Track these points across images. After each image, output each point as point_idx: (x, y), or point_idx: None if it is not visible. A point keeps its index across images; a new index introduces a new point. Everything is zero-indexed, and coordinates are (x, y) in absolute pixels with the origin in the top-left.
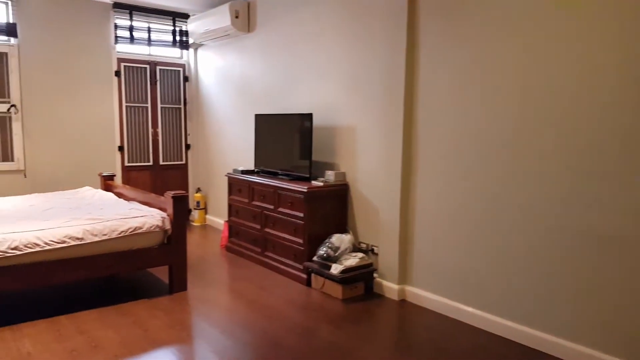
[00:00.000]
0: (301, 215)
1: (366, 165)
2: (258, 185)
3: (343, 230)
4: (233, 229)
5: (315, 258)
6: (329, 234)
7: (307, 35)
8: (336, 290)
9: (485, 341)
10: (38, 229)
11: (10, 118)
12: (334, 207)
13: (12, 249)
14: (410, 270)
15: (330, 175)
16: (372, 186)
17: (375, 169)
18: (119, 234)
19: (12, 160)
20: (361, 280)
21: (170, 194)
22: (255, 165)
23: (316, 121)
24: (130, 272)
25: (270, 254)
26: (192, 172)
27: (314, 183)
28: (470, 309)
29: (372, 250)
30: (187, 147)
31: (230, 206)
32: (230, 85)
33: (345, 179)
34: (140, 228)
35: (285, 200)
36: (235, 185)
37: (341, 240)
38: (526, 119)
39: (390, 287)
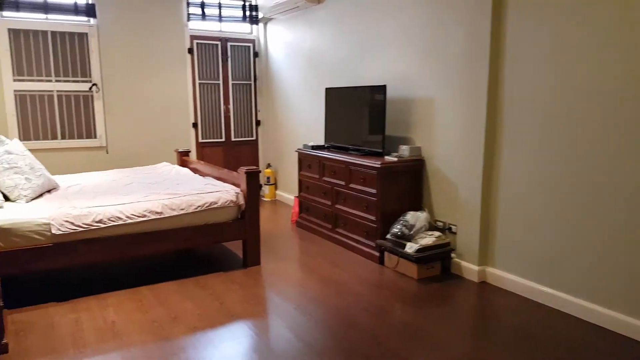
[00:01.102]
0: (374, 191)
1: (444, 139)
2: (329, 161)
3: (418, 207)
4: (303, 205)
5: (388, 236)
6: (403, 212)
7: (380, 2)
8: (411, 269)
9: (574, 328)
10: (120, 203)
11: (92, 97)
12: (408, 184)
13: (97, 222)
14: (492, 251)
15: (404, 150)
16: (450, 162)
17: (455, 144)
18: (196, 208)
19: (95, 137)
20: (438, 260)
21: (243, 169)
22: (326, 141)
23: (390, 93)
24: (206, 245)
25: (341, 231)
26: (262, 147)
27: (388, 158)
28: (559, 294)
29: (450, 229)
30: (258, 123)
31: (300, 182)
32: (300, 59)
33: (421, 154)
34: (216, 203)
35: (357, 176)
36: (305, 161)
37: (416, 218)
38: (637, 96)
39: (469, 268)
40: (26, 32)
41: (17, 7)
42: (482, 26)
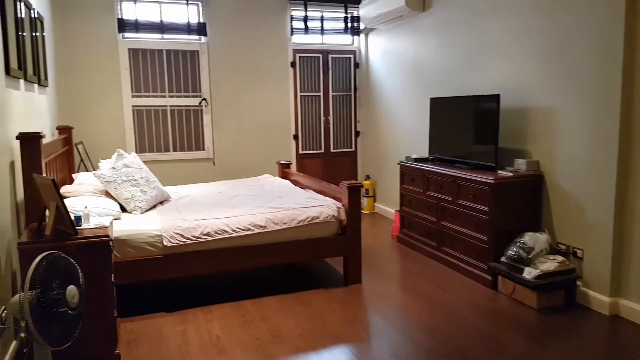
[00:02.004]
0: (485, 209)
1: (568, 153)
2: (434, 175)
3: (536, 228)
4: (405, 220)
5: (503, 259)
6: (519, 232)
7: (491, 7)
8: (530, 297)
9: None
10: (226, 217)
11: (201, 111)
12: (525, 201)
13: (205, 234)
14: (626, 280)
15: (520, 164)
16: (575, 178)
17: (581, 158)
18: (298, 223)
19: (203, 149)
20: (561, 288)
21: (345, 184)
22: (430, 153)
23: (502, 103)
24: (307, 260)
25: (448, 250)
26: (361, 159)
27: (501, 173)
28: None
29: (575, 253)
30: (357, 134)
31: (402, 195)
32: (402, 69)
33: (539, 169)
34: (317, 218)
35: (466, 191)
36: (408, 173)
37: (535, 239)
38: None
39: (598, 298)
40: (144, 52)
41: (136, 28)
42: (614, 27)
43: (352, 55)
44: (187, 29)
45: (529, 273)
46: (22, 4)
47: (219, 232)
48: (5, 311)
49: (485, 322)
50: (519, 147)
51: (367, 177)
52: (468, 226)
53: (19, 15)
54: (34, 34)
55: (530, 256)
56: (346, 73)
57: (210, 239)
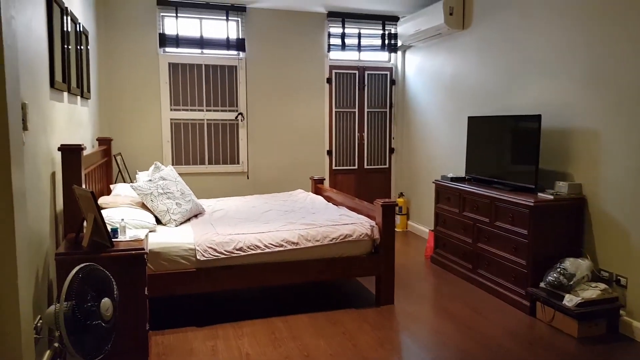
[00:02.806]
0: (524, 232)
1: (612, 177)
2: (471, 195)
3: (578, 253)
4: (439, 240)
5: (542, 284)
6: (559, 257)
7: (534, 25)
8: (570, 326)
9: None
10: (259, 232)
11: (237, 125)
12: (566, 225)
13: (238, 249)
14: None
15: (562, 187)
16: (620, 203)
17: (626, 183)
18: (330, 240)
19: (238, 163)
20: (603, 318)
21: (379, 202)
22: (467, 172)
23: (543, 123)
24: (338, 279)
25: (484, 273)
26: (395, 176)
27: (541, 195)
28: None
29: (618, 281)
30: (391, 150)
31: (437, 215)
32: (439, 86)
33: (582, 192)
34: (350, 236)
35: (505, 213)
36: (443, 193)
37: (577, 265)
38: None
39: None
40: (183, 66)
41: (177, 43)
42: None
43: (388, 72)
44: (226, 44)
45: (569, 300)
46: (69, 18)
47: (252, 247)
48: (41, 321)
49: (522, 350)
50: (560, 169)
51: (401, 195)
52: (506, 249)
53: (65, 29)
54: (79, 48)
55: (571, 283)
56: (382, 89)
57: (243, 254)
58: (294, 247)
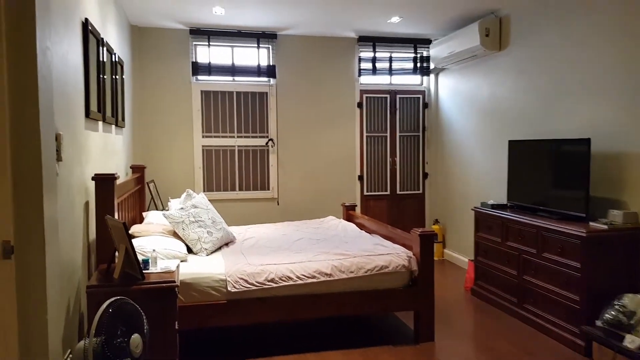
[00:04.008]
0: (576, 264)
1: None
2: (514, 223)
3: (637, 288)
4: (480, 271)
5: (598, 322)
6: (616, 292)
7: (575, 43)
8: None
9: None
10: (291, 262)
11: (267, 151)
12: (622, 258)
13: (269, 280)
14: None
15: (616, 216)
16: None
17: None
18: (365, 272)
19: (268, 189)
20: None
21: (417, 231)
22: (509, 199)
23: (592, 146)
24: (374, 313)
25: (531, 308)
26: (429, 202)
27: (594, 225)
28: None
29: None
30: (425, 176)
31: (477, 244)
32: (476, 109)
33: (638, 222)
34: (386, 267)
35: (553, 244)
36: (483, 221)
37: (637, 302)
38: None
39: None
40: (215, 93)
41: (209, 71)
42: None
43: (420, 95)
44: (257, 71)
45: (631, 342)
46: (105, 49)
47: (284, 278)
48: (71, 355)
49: None
50: (612, 197)
51: (436, 222)
52: (555, 283)
53: (101, 59)
54: (114, 77)
55: (631, 322)
56: (414, 113)
57: (275, 285)
58: (327, 278)
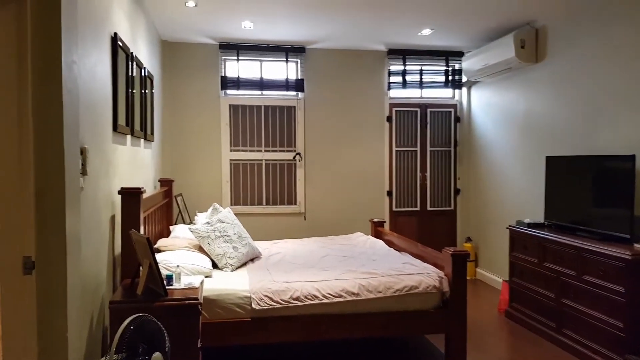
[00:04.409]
0: (621, 289)
1: None
2: (552, 244)
3: None
4: (515, 292)
5: None
6: None
7: (618, 54)
8: None
9: None
10: (317, 280)
11: (295, 165)
12: None
13: (294, 299)
14: None
15: None
16: None
17: None
18: (394, 292)
19: (295, 203)
20: None
21: (449, 250)
22: (546, 218)
23: (638, 164)
24: (402, 335)
25: (570, 334)
26: (460, 219)
27: (639, 247)
28: None
29: None
30: (457, 192)
31: (512, 264)
32: (511, 124)
33: None
34: (416, 288)
35: (594, 266)
36: (519, 240)
37: None
38: None
39: None
40: (243, 107)
41: (238, 85)
42: None
43: (452, 109)
44: (286, 85)
45: None
46: (134, 63)
47: (309, 297)
48: None
49: None
50: None
51: (468, 239)
52: (597, 308)
53: (130, 74)
54: (143, 92)
55: None
56: (446, 127)
57: (300, 303)
58: (354, 298)
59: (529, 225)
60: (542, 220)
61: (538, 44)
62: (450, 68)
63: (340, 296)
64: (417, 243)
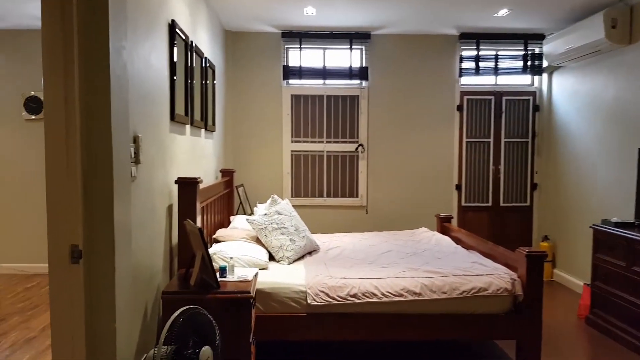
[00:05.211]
0: None
1: None
2: None
3: None
4: (598, 298)
5: None
6: None
7: None
8: None
9: None
10: (376, 277)
11: (357, 157)
12: None
13: (351, 296)
14: None
15: None
16: None
17: None
18: (460, 293)
19: (357, 196)
20: None
21: (523, 250)
22: (637, 217)
23: None
24: (469, 339)
25: None
26: (537, 216)
27: None
28: None
29: None
30: (534, 186)
31: (595, 267)
32: (598, 113)
33: None
34: (485, 290)
35: None
36: (604, 240)
37: None
38: None
39: None
40: (305, 97)
41: (300, 75)
42: None
43: (531, 97)
44: (349, 73)
45: None
46: (194, 53)
47: (367, 294)
48: None
49: None
50: None
51: (545, 238)
52: None
53: (189, 64)
54: (203, 82)
55: None
56: (523, 117)
57: (357, 301)
58: (416, 298)
59: (617, 224)
60: (632, 220)
61: (632, 24)
62: (529, 52)
63: (401, 295)
64: (488, 241)
